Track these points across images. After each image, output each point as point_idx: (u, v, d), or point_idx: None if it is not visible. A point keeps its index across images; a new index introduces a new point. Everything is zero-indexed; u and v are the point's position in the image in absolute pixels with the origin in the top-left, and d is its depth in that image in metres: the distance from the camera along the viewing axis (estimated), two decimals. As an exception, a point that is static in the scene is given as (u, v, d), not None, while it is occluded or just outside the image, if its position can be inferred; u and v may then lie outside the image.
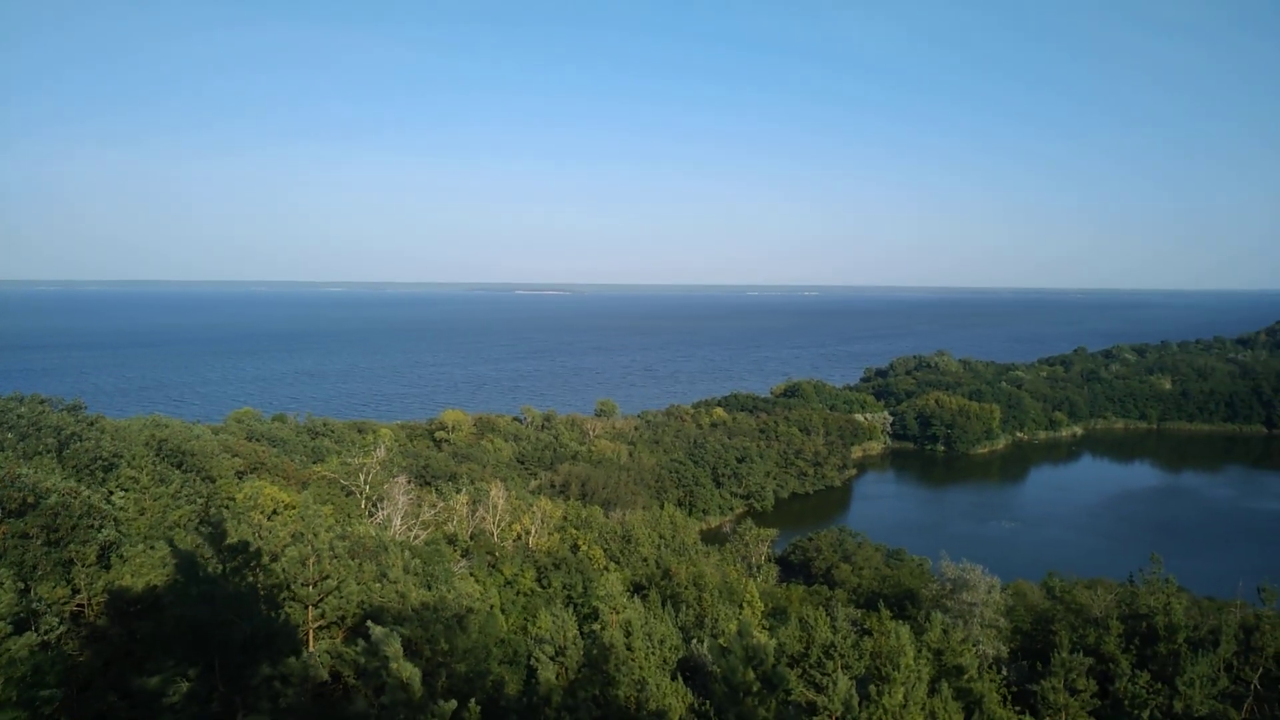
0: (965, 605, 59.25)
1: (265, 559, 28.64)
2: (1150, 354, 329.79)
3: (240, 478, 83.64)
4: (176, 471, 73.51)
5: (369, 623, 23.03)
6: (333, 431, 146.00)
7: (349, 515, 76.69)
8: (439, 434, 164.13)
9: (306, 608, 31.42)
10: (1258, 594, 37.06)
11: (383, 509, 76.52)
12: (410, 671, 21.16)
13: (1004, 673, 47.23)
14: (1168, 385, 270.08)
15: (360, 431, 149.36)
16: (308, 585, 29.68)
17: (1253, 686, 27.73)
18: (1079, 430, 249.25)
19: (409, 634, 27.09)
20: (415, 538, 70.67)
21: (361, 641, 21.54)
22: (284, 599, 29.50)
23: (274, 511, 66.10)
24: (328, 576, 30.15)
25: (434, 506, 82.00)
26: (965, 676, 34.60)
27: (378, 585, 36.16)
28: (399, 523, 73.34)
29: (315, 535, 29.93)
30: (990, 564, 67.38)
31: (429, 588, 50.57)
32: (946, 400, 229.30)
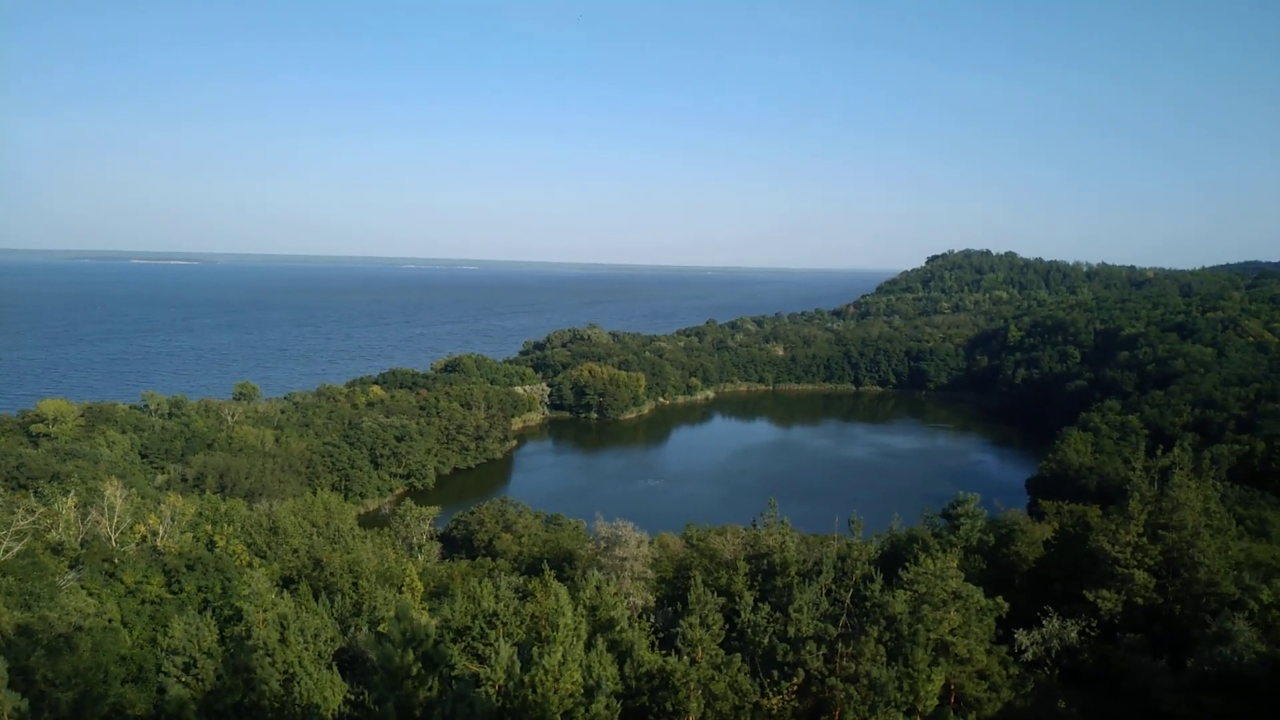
0: (618, 560, 63.32)
1: None
2: (766, 324, 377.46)
3: None
4: None
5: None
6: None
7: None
8: (35, 428, 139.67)
9: None
10: (848, 526, 44.00)
11: (-43, 522, 63.62)
12: (15, 702, 17.88)
13: (652, 620, 51.45)
14: (780, 351, 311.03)
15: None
16: None
17: (845, 605, 33.02)
18: (711, 394, 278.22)
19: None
20: (6, 551, 59.79)
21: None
22: None
23: None
24: (-126, 611, 24.41)
25: (32, 513, 70.00)
26: (617, 628, 37.04)
27: (-49, 614, 30.12)
28: (-19, 536, 61.50)
29: None
30: (639, 520, 72.45)
31: (27, 607, 43.35)
32: (598, 370, 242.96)
